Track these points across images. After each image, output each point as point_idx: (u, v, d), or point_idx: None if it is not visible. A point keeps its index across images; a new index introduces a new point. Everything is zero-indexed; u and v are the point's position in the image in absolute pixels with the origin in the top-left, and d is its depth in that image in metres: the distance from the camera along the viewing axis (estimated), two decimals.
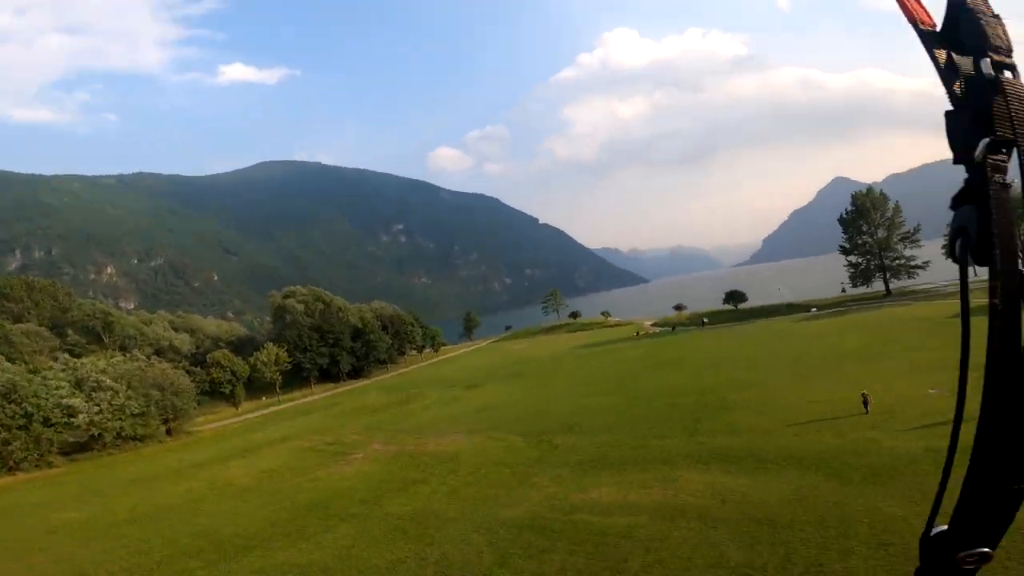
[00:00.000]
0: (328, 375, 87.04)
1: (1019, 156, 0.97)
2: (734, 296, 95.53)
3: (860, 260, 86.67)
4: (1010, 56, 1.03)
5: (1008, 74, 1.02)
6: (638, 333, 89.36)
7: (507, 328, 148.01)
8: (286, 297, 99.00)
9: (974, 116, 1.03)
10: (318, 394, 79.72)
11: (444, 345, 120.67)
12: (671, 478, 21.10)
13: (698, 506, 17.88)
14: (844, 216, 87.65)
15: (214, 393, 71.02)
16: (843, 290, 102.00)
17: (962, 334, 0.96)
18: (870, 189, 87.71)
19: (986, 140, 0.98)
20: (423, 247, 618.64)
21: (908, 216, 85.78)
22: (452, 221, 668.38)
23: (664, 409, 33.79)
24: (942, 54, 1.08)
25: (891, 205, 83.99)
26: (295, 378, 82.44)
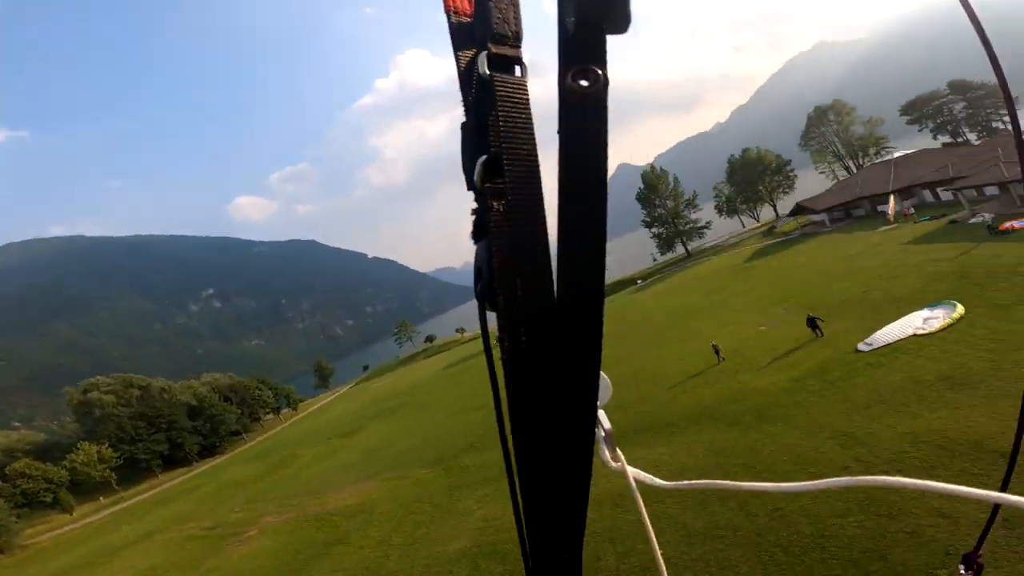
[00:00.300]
0: (174, 460, 77.95)
1: (506, 173, 0.75)
2: None
3: (661, 230, 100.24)
4: (516, 47, 0.80)
5: (514, 72, 0.79)
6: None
7: (365, 368, 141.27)
8: (87, 391, 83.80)
9: (474, 128, 0.84)
10: (169, 482, 69.79)
11: (302, 401, 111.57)
12: (601, 462, 22.11)
13: (643, 484, 19.00)
14: (639, 194, 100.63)
15: (32, 504, 62.73)
16: (654, 259, 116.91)
17: (489, 372, 0.97)
18: (652, 167, 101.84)
19: (481, 159, 0.79)
20: (244, 308, 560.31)
21: (684, 186, 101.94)
22: (272, 274, 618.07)
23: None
24: (468, 54, 0.86)
25: (671, 179, 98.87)
26: (133, 471, 74.29)
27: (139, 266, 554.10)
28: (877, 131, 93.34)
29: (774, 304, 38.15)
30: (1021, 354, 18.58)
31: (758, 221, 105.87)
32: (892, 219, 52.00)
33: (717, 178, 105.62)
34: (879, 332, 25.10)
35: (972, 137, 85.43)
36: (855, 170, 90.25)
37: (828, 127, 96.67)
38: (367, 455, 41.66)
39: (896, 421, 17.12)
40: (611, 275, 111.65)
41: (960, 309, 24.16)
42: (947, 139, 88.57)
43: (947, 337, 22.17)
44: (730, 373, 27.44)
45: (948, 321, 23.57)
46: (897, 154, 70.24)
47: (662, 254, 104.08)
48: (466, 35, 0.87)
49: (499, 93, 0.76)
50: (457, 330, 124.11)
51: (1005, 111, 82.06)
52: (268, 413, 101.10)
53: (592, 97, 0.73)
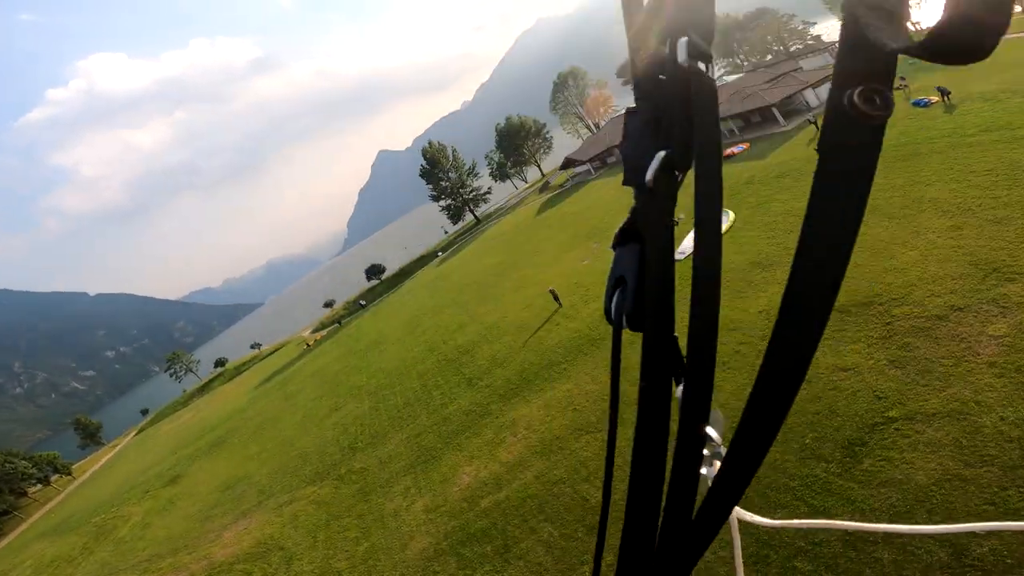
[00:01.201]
0: None
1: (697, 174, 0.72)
2: (375, 270, 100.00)
3: (449, 202, 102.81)
4: (709, 42, 0.73)
5: (702, 66, 0.72)
6: (308, 344, 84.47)
7: (144, 412, 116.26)
8: None
9: (649, 120, 0.80)
10: None
11: (71, 465, 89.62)
12: (509, 423, 21.80)
13: (566, 425, 19.28)
14: (423, 171, 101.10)
15: None
16: (445, 231, 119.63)
17: (612, 397, 0.97)
18: (431, 143, 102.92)
19: (661, 154, 0.75)
20: None
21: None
22: None
23: (419, 382, 33.94)
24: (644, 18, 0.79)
25: (450, 149, 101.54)
26: None
27: None
28: (605, 91, 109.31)
29: (582, 241, 42.65)
30: (791, 237, 24.42)
31: (526, 182, 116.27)
32: None
33: (475, 151, 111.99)
34: (683, 242, 30.21)
35: None
36: (594, 128, 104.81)
37: (569, 91, 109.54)
38: (222, 493, 35.10)
39: (746, 304, 20.95)
40: (411, 256, 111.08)
41: (732, 214, 30.63)
42: None
43: (735, 236, 27.72)
44: (581, 304, 30.04)
45: (728, 224, 29.71)
46: (625, 109, 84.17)
47: (453, 224, 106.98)
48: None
49: (696, 85, 0.71)
50: (252, 346, 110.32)
51: None
52: (35, 485, 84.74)
53: (875, 122, 0.65)
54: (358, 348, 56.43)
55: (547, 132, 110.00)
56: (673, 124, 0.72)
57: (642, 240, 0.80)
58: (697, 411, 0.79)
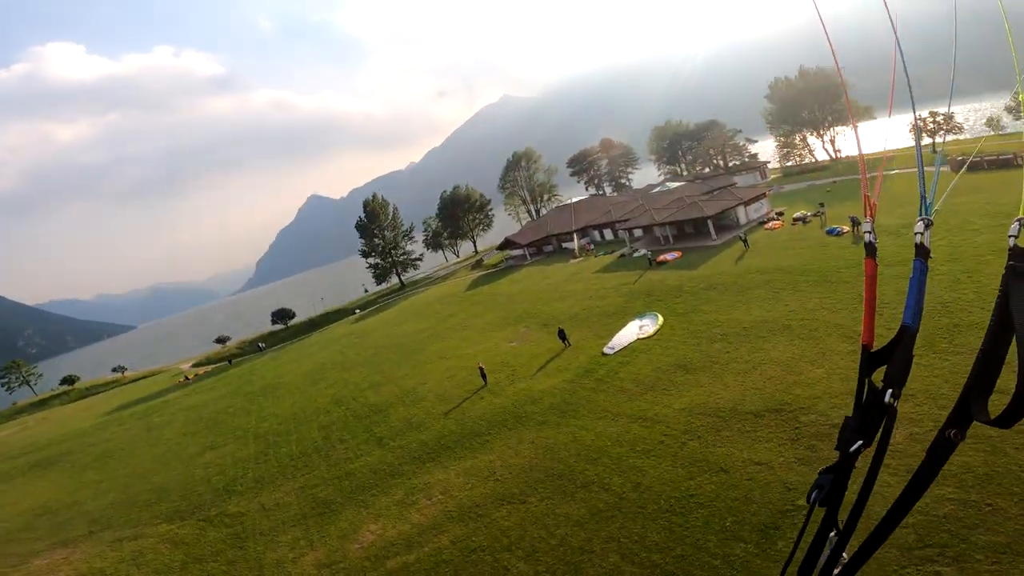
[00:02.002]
0: None
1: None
2: (283, 314, 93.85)
3: (378, 261, 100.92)
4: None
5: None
6: (186, 377, 75.62)
7: None
8: None
9: (861, 424, 1.72)
10: None
11: None
12: (423, 486, 20.89)
13: (487, 493, 18.68)
14: (360, 222, 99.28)
15: None
16: (366, 290, 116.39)
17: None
18: (375, 195, 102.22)
19: (859, 443, 1.75)
20: None
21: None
22: None
23: (320, 433, 31.56)
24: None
25: (391, 208, 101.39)
26: None
27: None
28: (553, 179, 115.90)
29: (511, 324, 43.14)
30: (717, 344, 26.33)
31: (458, 256, 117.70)
32: (578, 254, 65.58)
33: (411, 215, 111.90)
34: (614, 339, 31.65)
35: (608, 190, 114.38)
36: (535, 214, 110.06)
37: (520, 172, 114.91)
38: (36, 517, 28.98)
39: (669, 401, 22.03)
40: (324, 307, 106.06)
41: (661, 318, 32.63)
42: (593, 191, 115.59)
43: (661, 339, 29.56)
44: (507, 383, 29.89)
45: (657, 327, 31.56)
46: (574, 199, 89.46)
47: (377, 284, 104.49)
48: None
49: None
50: (115, 368, 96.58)
51: (631, 168, 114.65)
52: None
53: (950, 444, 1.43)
54: (249, 390, 51.52)
55: (490, 209, 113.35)
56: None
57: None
58: None
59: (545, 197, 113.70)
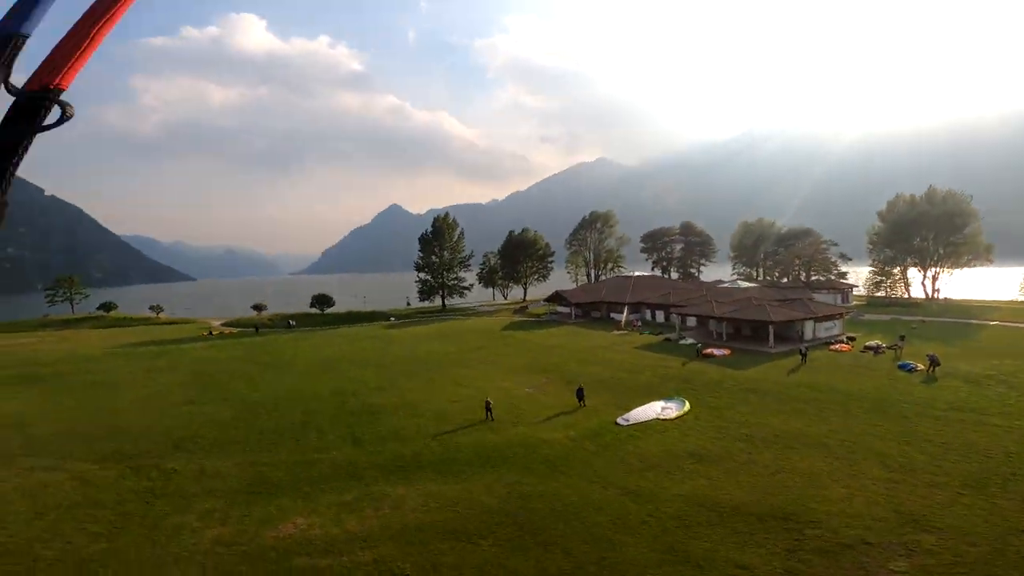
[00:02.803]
0: None
1: None
2: (322, 299, 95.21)
3: (428, 277, 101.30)
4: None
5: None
6: (211, 332, 77.08)
7: None
8: None
9: None
10: None
11: None
12: (378, 495, 19.00)
13: (440, 522, 16.75)
14: (425, 236, 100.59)
15: None
16: (408, 303, 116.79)
17: None
18: (447, 215, 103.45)
19: None
20: None
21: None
22: None
23: (302, 417, 30.11)
24: None
25: (458, 232, 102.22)
26: None
27: None
28: (622, 249, 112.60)
29: (535, 372, 40.81)
30: (740, 444, 23.29)
31: (505, 298, 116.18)
32: (623, 326, 62.75)
33: (473, 248, 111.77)
34: (632, 412, 28.94)
35: (675, 275, 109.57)
36: (593, 278, 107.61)
37: (592, 233, 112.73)
38: None
39: (669, 484, 19.25)
40: (364, 306, 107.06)
41: (687, 405, 29.77)
42: (659, 272, 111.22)
43: (682, 424, 26.73)
44: (510, 424, 27.58)
45: (680, 412, 28.72)
46: (637, 273, 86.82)
47: (420, 300, 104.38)
48: None
49: None
50: (152, 307, 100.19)
51: (705, 260, 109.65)
52: None
53: None
54: (259, 360, 51.17)
55: (551, 261, 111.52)
56: None
57: None
58: None
59: (609, 265, 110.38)
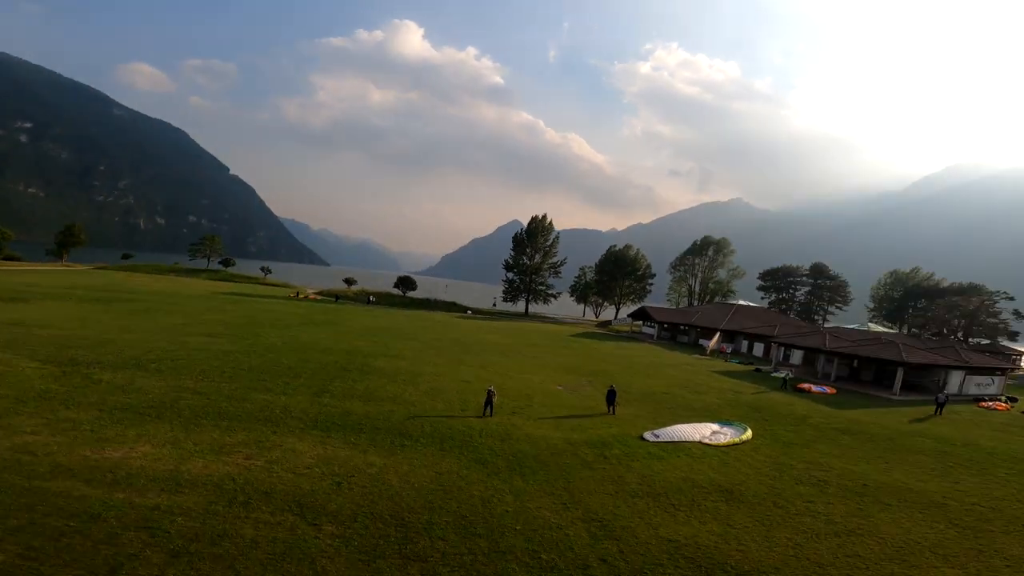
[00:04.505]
0: None
1: None
2: (405, 282, 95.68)
3: (515, 278, 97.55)
4: None
5: None
6: (298, 294, 79.91)
7: (125, 257, 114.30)
8: None
9: None
10: None
11: (16, 260, 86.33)
12: (268, 444, 15.27)
13: (299, 489, 12.39)
14: (518, 235, 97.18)
15: None
16: (494, 303, 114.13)
17: None
18: (544, 216, 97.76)
19: None
20: (52, 154, 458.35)
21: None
22: (112, 137, 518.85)
23: (293, 363, 27.39)
24: None
25: (553, 235, 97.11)
26: None
27: None
28: (734, 283, 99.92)
29: (579, 375, 34.75)
30: (802, 488, 15.89)
31: (596, 316, 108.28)
32: (709, 353, 53.74)
33: (574, 269, 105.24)
34: (668, 428, 22.10)
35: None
36: (693, 302, 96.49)
37: (703, 259, 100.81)
38: (10, 326, 29.45)
39: (662, 521, 12.88)
40: (446, 296, 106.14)
41: (749, 433, 22.32)
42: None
43: (731, 453, 19.61)
44: (506, 413, 22.32)
45: (735, 439, 21.41)
46: (743, 302, 75.64)
47: (504, 300, 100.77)
48: None
49: None
50: (261, 268, 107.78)
51: (835, 308, 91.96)
52: None
53: None
54: (313, 319, 50.44)
55: (651, 284, 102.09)
56: None
57: None
58: None
59: (716, 298, 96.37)
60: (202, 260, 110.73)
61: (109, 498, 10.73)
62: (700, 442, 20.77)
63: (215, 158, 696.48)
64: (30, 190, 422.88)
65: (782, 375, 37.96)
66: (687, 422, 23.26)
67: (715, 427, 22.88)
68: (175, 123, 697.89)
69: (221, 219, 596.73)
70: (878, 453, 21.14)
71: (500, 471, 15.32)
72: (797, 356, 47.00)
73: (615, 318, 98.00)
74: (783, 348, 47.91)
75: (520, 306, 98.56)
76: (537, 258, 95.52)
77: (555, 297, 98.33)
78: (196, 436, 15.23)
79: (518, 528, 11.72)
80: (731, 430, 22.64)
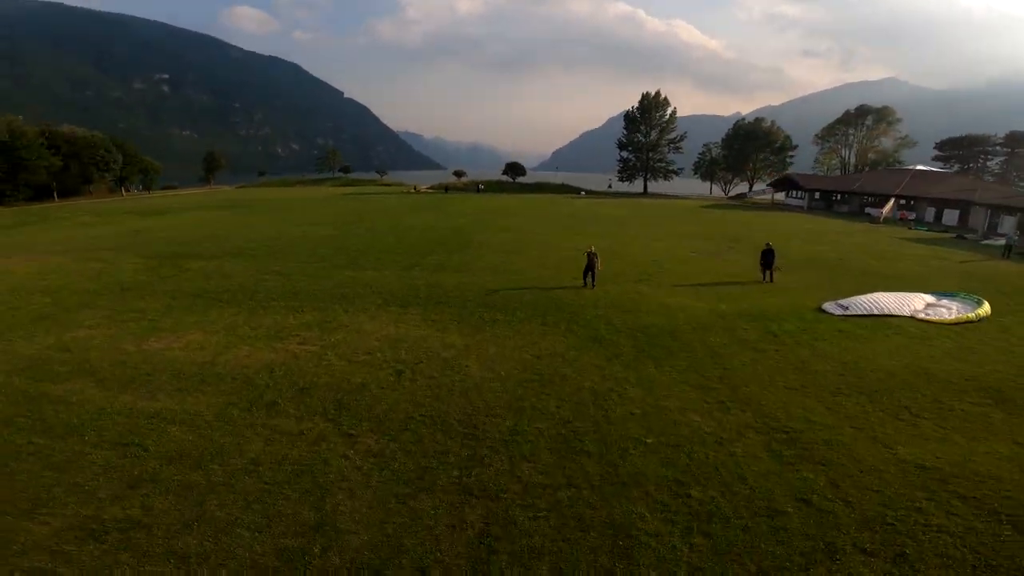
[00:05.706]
0: None
1: None
2: (513, 168, 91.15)
3: (631, 157, 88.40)
4: None
5: None
6: (415, 188, 79.79)
7: (261, 174, 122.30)
8: None
9: None
10: None
11: (174, 188, 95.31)
12: (334, 324, 13.01)
13: (347, 384, 9.44)
14: (630, 113, 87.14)
15: None
16: (609, 185, 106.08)
17: None
18: (658, 92, 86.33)
19: None
20: (194, 100, 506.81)
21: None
22: (238, 78, 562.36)
23: (390, 244, 25.23)
24: None
25: (669, 111, 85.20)
26: None
27: (100, 37, 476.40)
28: (901, 152, 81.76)
29: (723, 242, 28.98)
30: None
31: (725, 193, 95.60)
32: (883, 220, 43.60)
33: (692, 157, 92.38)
34: (860, 297, 16.18)
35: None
36: (849, 170, 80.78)
37: (858, 129, 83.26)
38: (120, 236, 29.58)
39: (895, 434, 7.82)
40: (556, 179, 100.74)
41: (986, 307, 15.69)
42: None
43: (966, 335, 13.34)
44: (628, 280, 18.15)
45: (965, 316, 15.10)
46: (920, 166, 60.60)
47: (620, 180, 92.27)
48: None
49: None
50: (377, 170, 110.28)
51: None
52: (111, 181, 75.32)
53: None
54: (422, 205, 48.61)
55: (792, 156, 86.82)
56: None
57: None
58: None
59: (880, 167, 76.48)
60: (328, 172, 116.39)
61: (110, 404, 8.39)
62: (912, 317, 14.82)
63: (329, 84, 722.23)
64: (184, 132, 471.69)
65: (1001, 242, 28.60)
66: (884, 291, 17.09)
67: (930, 298, 16.55)
68: (286, 58, 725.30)
69: (344, 139, 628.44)
70: None
71: (623, 353, 11.16)
72: (1008, 224, 35.78)
73: (750, 190, 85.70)
74: (990, 213, 36.81)
75: (638, 186, 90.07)
76: (653, 135, 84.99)
77: (677, 173, 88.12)
78: (258, 319, 13.03)
79: (650, 442, 7.58)
80: (957, 304, 16.19)
